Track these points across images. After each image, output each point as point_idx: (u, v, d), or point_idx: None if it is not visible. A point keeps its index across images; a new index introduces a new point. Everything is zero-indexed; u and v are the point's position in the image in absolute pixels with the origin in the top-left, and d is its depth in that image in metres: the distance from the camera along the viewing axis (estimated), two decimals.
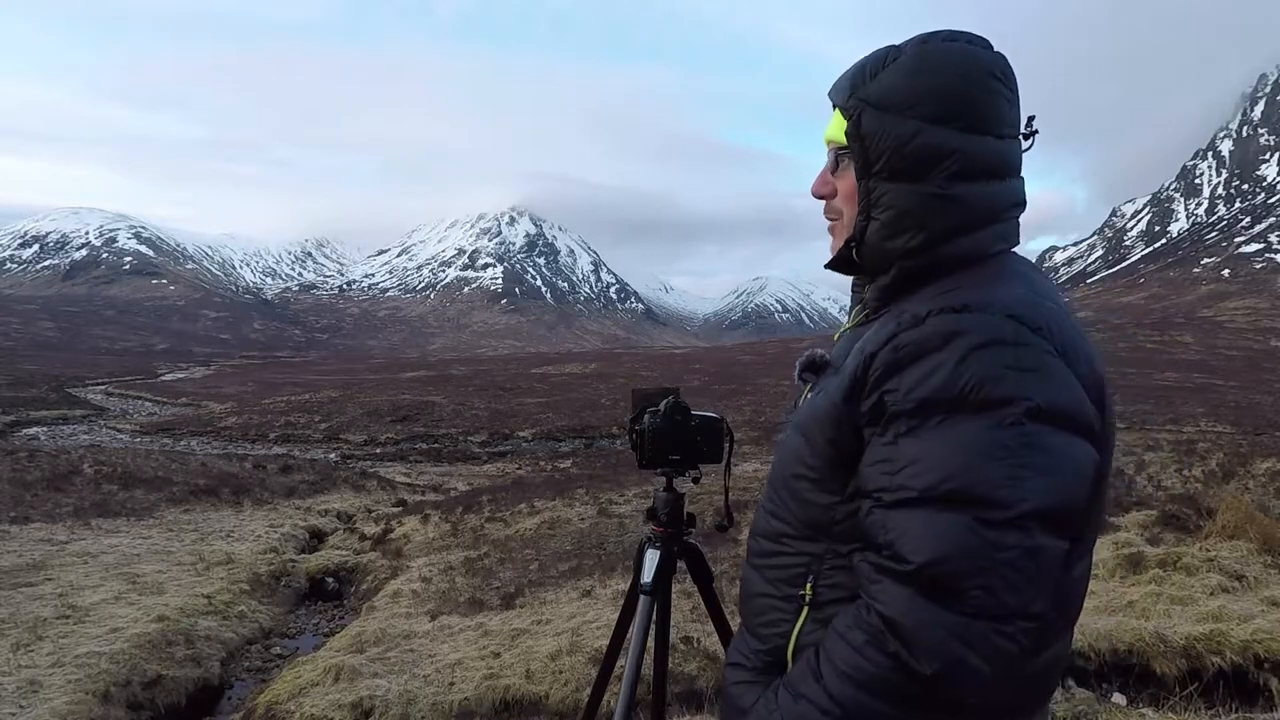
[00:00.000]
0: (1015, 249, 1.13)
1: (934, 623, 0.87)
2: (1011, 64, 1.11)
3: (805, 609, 1.07)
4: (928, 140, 1.05)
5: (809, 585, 1.06)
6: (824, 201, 1.19)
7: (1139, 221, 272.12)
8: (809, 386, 1.18)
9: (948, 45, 1.07)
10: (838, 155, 1.15)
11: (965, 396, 0.92)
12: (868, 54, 1.12)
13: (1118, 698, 4.08)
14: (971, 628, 0.86)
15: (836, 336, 1.24)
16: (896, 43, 1.11)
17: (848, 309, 1.27)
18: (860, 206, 1.11)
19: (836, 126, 1.14)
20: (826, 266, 1.21)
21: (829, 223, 1.20)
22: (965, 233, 1.07)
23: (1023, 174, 1.13)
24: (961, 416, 0.91)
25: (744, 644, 1.17)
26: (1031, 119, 1.12)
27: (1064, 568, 0.96)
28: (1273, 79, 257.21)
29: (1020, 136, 1.11)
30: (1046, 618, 0.91)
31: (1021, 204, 1.12)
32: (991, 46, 1.09)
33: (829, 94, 1.16)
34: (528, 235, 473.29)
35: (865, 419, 1.00)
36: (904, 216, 1.07)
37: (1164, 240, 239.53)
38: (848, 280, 1.28)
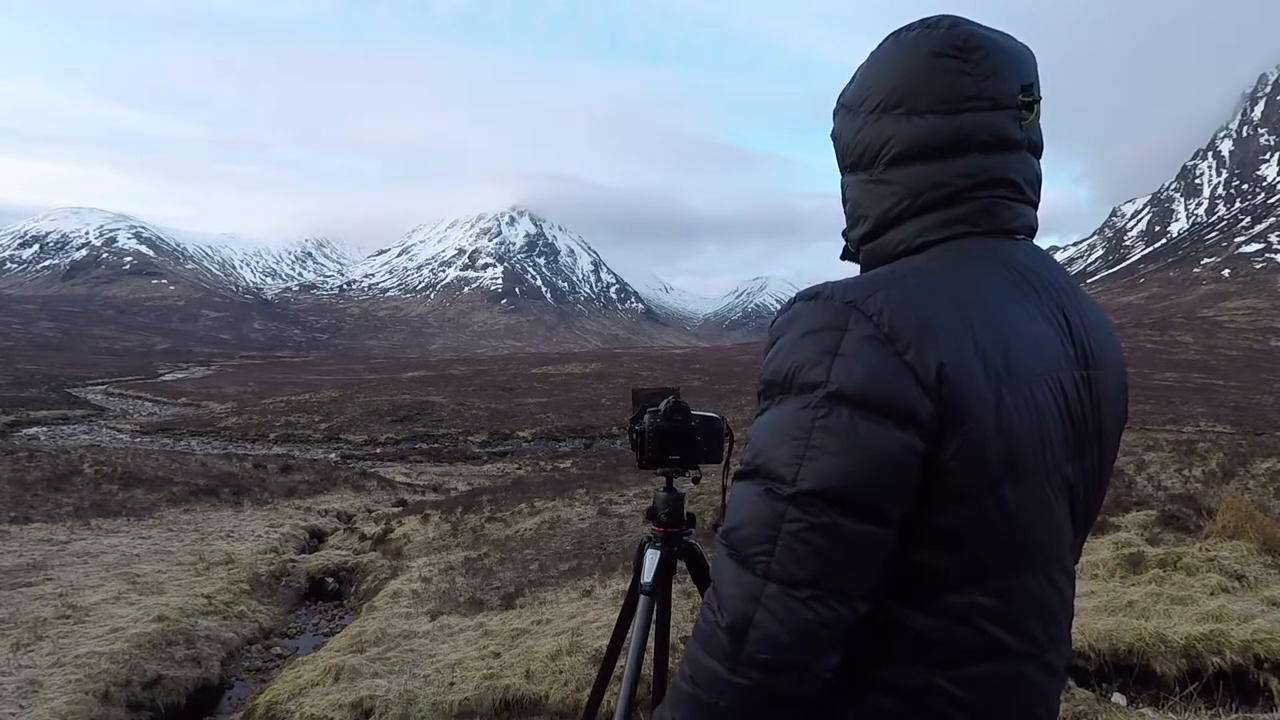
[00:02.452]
0: (1000, 231, 1.06)
1: (734, 580, 0.94)
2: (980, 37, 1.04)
3: None
4: (870, 130, 1.09)
5: None
6: None
7: (1139, 221, 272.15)
8: None
9: (902, 35, 1.09)
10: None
11: (790, 380, 0.96)
12: None
13: (1118, 698, 4.08)
14: (765, 589, 0.92)
15: None
16: None
17: None
18: (841, 201, 1.19)
19: None
20: (841, 259, 1.26)
21: None
22: (911, 217, 1.06)
23: (1018, 147, 1.06)
24: (786, 399, 0.97)
25: None
26: (1028, 87, 1.06)
27: (921, 563, 0.95)
28: (1273, 79, 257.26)
29: (1003, 108, 1.04)
30: (851, 597, 0.92)
31: (1005, 180, 1.06)
32: (954, 24, 1.05)
33: None
34: (528, 235, 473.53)
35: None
36: (857, 206, 1.13)
37: (1164, 240, 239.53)
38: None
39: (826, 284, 1.02)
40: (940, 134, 1.04)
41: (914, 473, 0.93)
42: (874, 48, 1.13)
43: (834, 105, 1.19)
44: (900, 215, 1.07)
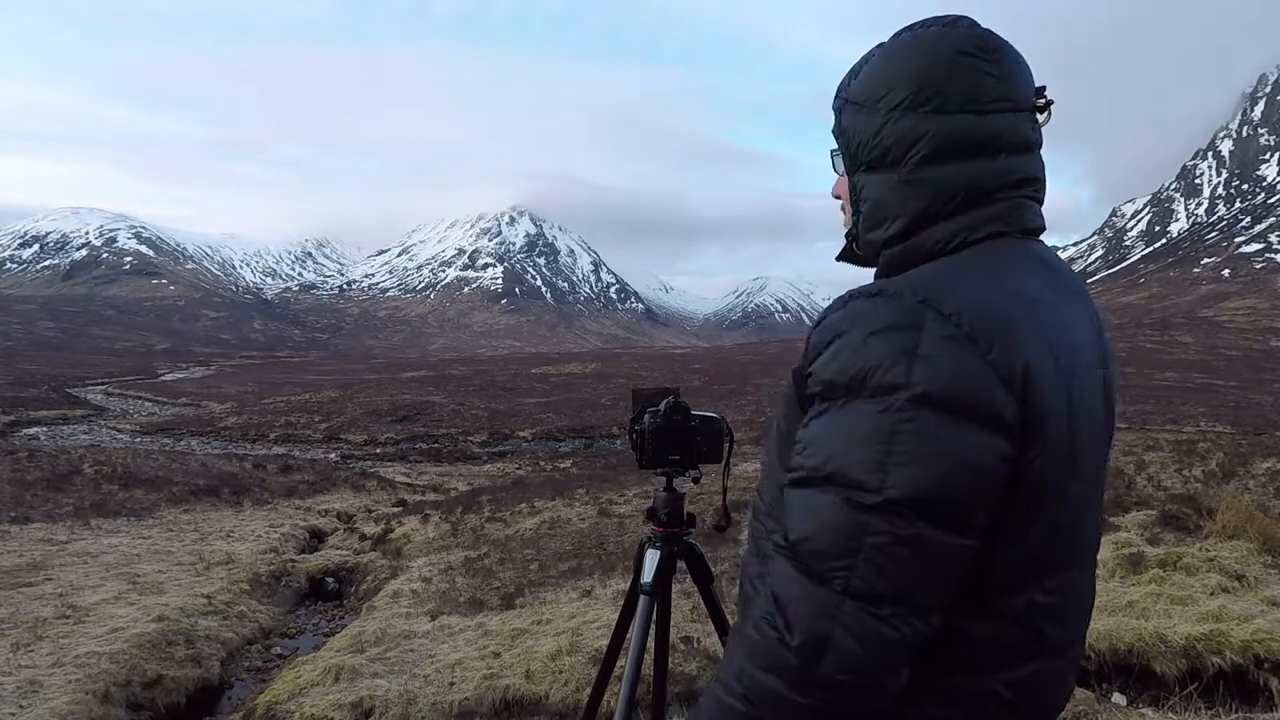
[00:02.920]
0: (1025, 231, 1.07)
1: (805, 596, 0.89)
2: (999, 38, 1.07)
3: None
4: (895, 127, 1.05)
5: None
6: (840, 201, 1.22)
7: (1139, 221, 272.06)
8: None
9: (919, 31, 1.07)
10: (833, 155, 1.18)
11: (861, 381, 0.92)
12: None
13: (1118, 698, 4.08)
14: (842, 605, 0.87)
15: None
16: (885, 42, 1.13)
17: None
18: (852, 201, 1.14)
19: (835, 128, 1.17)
20: (837, 259, 1.24)
21: (842, 219, 1.22)
22: (947, 217, 1.05)
23: (1034, 149, 1.08)
24: (858, 400, 0.92)
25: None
26: (1042, 89, 1.08)
27: (988, 570, 0.93)
28: (1273, 79, 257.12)
29: (1023, 110, 1.07)
30: (932, 612, 0.89)
31: (1029, 180, 1.08)
32: (972, 24, 1.07)
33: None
34: (528, 235, 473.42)
35: (805, 400, 1.01)
36: (881, 206, 1.08)
37: (1164, 240, 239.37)
38: (849, 279, 1.29)
39: (887, 282, 0.99)
40: (973, 134, 1.04)
41: (1001, 479, 0.91)
42: (887, 42, 1.10)
43: (835, 101, 1.15)
44: (934, 215, 1.05)
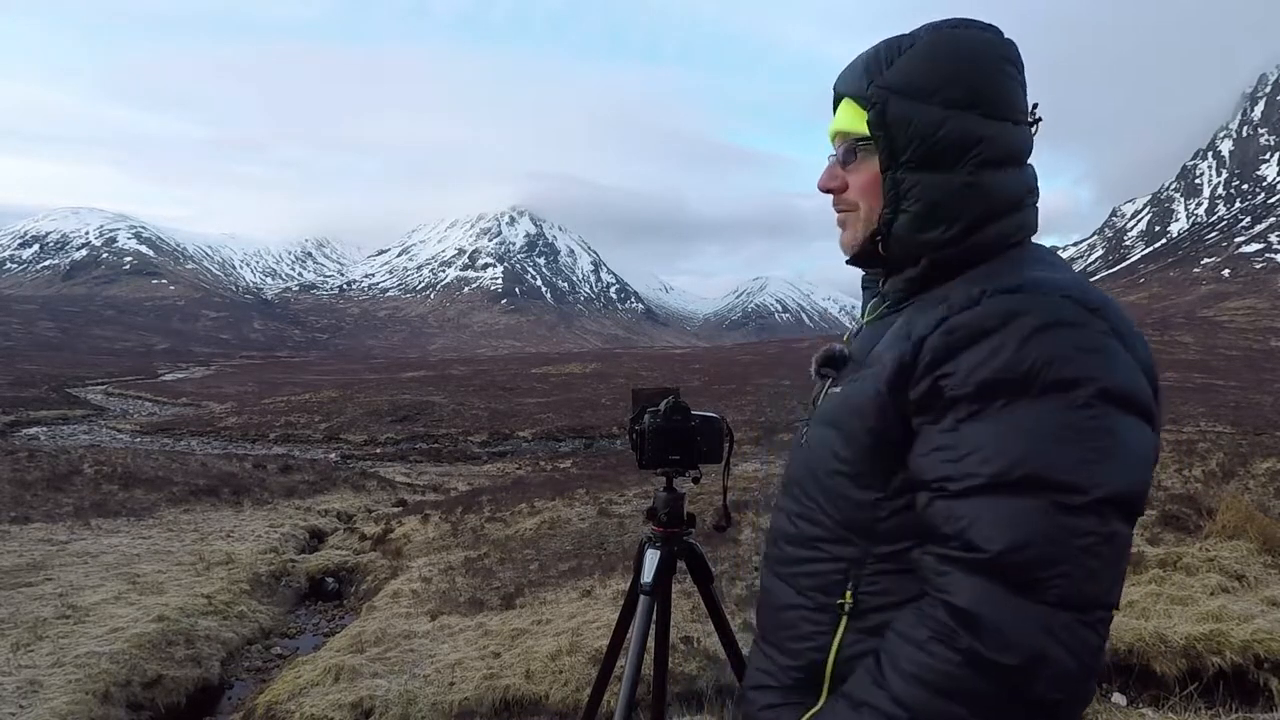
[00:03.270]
0: (1033, 236, 1.10)
1: (1013, 613, 0.84)
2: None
3: (844, 619, 1.02)
4: (955, 127, 1.03)
5: (848, 593, 1.01)
6: (832, 196, 1.16)
7: (1139, 221, 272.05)
8: (829, 382, 1.15)
9: (961, 32, 1.06)
10: (856, 147, 1.11)
11: (1032, 378, 0.88)
12: (875, 45, 1.10)
13: (1118, 698, 4.08)
14: (1055, 618, 0.83)
15: (846, 337, 1.24)
16: (904, 33, 1.10)
17: (859, 306, 1.25)
18: (887, 199, 1.08)
19: (853, 117, 1.11)
20: (848, 262, 1.18)
21: (839, 217, 1.17)
22: (993, 221, 1.05)
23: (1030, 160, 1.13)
24: (1028, 399, 0.88)
25: (768, 662, 1.10)
26: (1035, 106, 1.10)
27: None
28: (1273, 79, 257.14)
29: (1026, 122, 1.09)
30: (1116, 610, 0.89)
31: (1036, 190, 1.11)
32: (1001, 33, 1.08)
33: (835, 86, 1.14)
34: (528, 235, 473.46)
35: (915, 407, 0.97)
36: (937, 208, 1.05)
37: (1164, 240, 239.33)
38: (848, 279, 1.29)
39: (1017, 278, 0.97)
40: (1016, 142, 1.06)
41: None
42: (926, 34, 1.06)
43: (869, 87, 1.07)
44: (986, 219, 1.05)
